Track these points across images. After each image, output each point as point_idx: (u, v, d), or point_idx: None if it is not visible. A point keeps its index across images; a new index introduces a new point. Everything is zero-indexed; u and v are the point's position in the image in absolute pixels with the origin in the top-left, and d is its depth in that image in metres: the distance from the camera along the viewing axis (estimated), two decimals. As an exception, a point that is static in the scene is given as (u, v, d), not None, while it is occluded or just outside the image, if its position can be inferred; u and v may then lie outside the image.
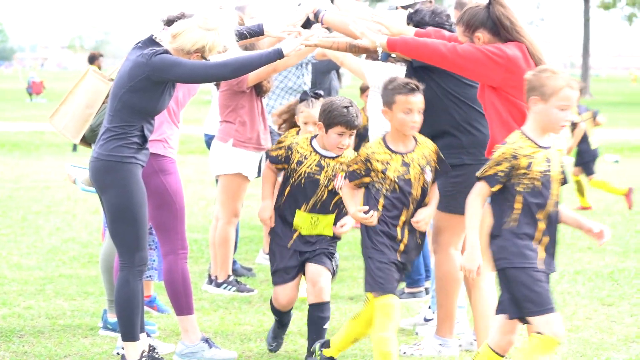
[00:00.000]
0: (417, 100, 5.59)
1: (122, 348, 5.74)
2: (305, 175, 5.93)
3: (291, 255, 5.99)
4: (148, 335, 6.04)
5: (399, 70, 6.26)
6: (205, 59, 5.57)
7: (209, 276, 8.09)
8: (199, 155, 20.13)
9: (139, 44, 5.61)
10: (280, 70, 8.19)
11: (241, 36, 6.05)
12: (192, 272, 6.36)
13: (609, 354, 6.22)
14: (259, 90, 7.81)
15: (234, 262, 8.53)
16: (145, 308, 6.91)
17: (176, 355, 6.10)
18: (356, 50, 6.03)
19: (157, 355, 5.77)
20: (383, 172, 5.56)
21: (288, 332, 6.65)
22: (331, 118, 5.80)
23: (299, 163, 5.96)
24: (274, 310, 6.14)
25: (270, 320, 6.97)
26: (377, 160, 5.57)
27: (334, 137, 5.82)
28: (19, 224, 11.24)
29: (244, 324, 6.92)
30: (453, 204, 6.00)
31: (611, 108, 37.78)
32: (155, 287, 7.68)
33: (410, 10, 6.44)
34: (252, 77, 7.59)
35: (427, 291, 7.79)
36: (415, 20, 6.14)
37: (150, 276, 6.80)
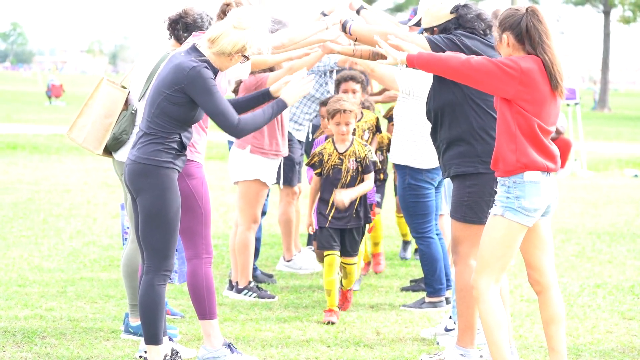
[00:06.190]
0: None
1: (145, 352, 5.76)
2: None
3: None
4: (170, 339, 6.06)
5: (428, 76, 6.28)
6: (246, 57, 5.61)
7: (230, 282, 8.11)
8: (219, 161, 20.16)
9: (182, 53, 5.63)
10: (296, 72, 8.19)
11: None
12: (213, 278, 6.36)
13: (631, 367, 6.22)
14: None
15: (255, 269, 8.55)
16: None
17: (198, 360, 6.12)
18: (379, 57, 6.08)
19: (179, 359, 5.78)
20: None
21: (309, 339, 6.66)
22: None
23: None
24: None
25: (290, 327, 6.99)
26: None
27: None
28: (39, 226, 11.30)
29: (264, 330, 6.93)
30: (470, 213, 6.02)
31: (630, 122, 37.67)
32: (171, 291, 7.73)
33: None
34: (270, 83, 7.60)
35: (447, 301, 7.79)
36: (459, 13, 6.13)
37: (171, 279, 6.82)
